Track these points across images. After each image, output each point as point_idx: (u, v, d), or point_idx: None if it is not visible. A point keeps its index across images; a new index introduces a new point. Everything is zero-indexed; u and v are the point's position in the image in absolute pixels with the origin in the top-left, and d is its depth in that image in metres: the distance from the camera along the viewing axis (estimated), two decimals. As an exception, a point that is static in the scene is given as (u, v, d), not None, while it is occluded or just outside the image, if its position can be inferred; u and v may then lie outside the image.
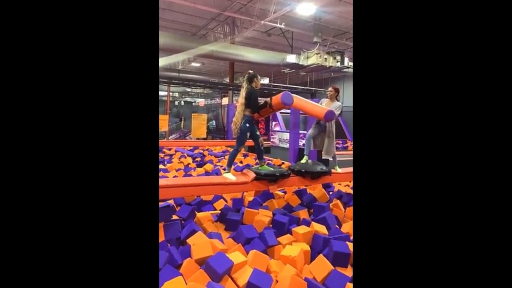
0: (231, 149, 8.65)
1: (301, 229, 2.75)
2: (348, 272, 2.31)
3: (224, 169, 3.79)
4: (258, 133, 3.73)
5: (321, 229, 2.84)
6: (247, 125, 3.56)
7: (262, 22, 9.53)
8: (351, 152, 10.92)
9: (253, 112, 3.62)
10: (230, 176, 3.40)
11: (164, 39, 9.35)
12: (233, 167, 4.43)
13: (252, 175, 3.42)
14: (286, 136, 8.60)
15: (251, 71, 3.69)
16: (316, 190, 3.95)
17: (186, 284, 1.94)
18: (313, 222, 2.95)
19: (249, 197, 3.82)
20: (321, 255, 2.36)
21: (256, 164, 6.24)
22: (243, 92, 3.60)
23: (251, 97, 3.54)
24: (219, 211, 3.38)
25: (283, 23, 9.71)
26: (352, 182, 4.89)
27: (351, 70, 12.70)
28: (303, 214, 3.24)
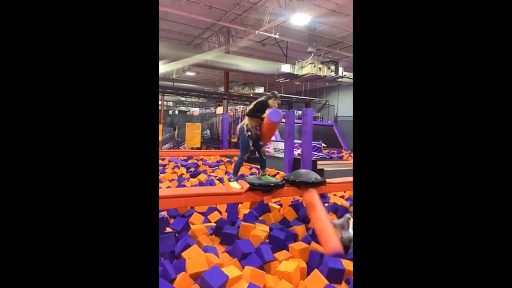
0: (225, 159, 8.68)
1: (297, 245, 2.72)
2: (343, 287, 2.29)
3: (229, 179, 3.80)
4: (261, 142, 3.74)
5: (318, 246, 2.79)
6: (249, 133, 3.58)
7: (257, 32, 9.59)
8: (346, 162, 10.98)
9: (253, 116, 3.65)
10: (235, 185, 3.40)
11: (159, 48, 9.37)
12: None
13: (246, 185, 3.40)
14: (281, 145, 8.62)
15: (276, 92, 3.82)
16: (311, 201, 3.92)
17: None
18: (313, 242, 2.89)
19: (244, 209, 3.79)
20: (316, 270, 2.33)
21: (252, 174, 6.24)
22: (256, 101, 3.72)
23: (255, 106, 3.62)
24: (214, 224, 3.34)
25: (278, 33, 9.78)
26: (346, 192, 4.88)
27: (345, 79, 12.83)
28: (301, 230, 3.18)
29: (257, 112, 3.60)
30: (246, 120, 3.65)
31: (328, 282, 2.23)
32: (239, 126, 3.75)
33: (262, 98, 3.75)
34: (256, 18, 9.53)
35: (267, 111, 3.52)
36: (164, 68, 11.19)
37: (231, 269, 2.25)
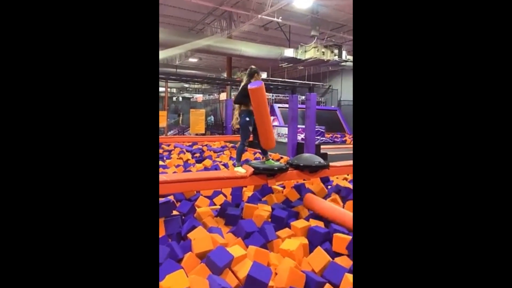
0: (229, 144, 8.74)
1: (299, 223, 2.79)
2: (346, 263, 2.36)
3: (234, 164, 3.87)
4: None
5: (319, 224, 2.88)
6: (247, 119, 3.62)
7: (259, 16, 9.51)
8: (349, 146, 11.00)
9: (240, 103, 3.67)
10: (240, 170, 3.48)
11: (160, 34, 9.34)
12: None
13: (250, 169, 3.46)
14: (285, 130, 8.65)
15: (253, 66, 3.72)
16: (314, 184, 3.99)
17: (187, 277, 1.98)
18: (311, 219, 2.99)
19: (248, 192, 3.86)
20: (319, 247, 2.41)
21: (256, 159, 6.30)
22: (240, 87, 3.66)
23: (240, 92, 3.61)
24: (219, 206, 3.42)
25: (280, 17, 9.69)
26: (349, 175, 4.94)
27: (349, 63, 12.72)
28: (302, 209, 3.28)
29: (244, 98, 3.58)
30: (239, 108, 3.69)
31: (331, 259, 2.31)
32: None
33: (244, 81, 3.68)
34: (258, 2, 9.44)
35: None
36: (166, 53, 11.17)
37: (236, 249, 2.33)
